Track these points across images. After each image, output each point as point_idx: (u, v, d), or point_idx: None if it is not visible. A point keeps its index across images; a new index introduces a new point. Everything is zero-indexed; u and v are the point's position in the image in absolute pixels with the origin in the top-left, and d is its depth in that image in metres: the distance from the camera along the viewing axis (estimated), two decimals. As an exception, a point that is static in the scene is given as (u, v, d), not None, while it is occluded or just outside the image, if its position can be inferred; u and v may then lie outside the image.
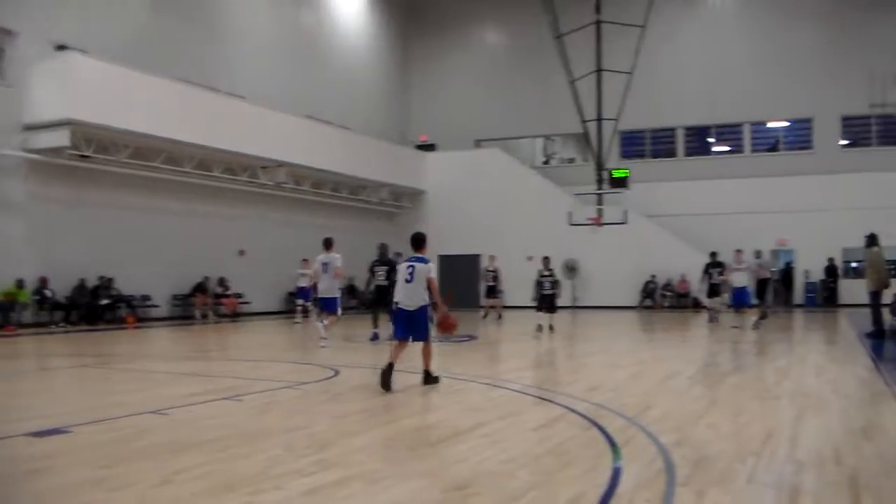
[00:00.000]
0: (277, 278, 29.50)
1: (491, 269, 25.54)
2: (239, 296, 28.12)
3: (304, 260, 24.83)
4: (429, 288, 9.88)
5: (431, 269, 9.95)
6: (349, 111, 35.42)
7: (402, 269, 10.03)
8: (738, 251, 21.58)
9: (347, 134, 32.75)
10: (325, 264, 16.18)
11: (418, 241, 10.17)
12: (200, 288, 26.39)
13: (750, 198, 34.07)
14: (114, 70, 22.27)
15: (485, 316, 26.19)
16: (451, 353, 15.31)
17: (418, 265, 9.88)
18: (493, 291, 25.68)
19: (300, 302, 26.00)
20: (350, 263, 29.87)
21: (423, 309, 9.86)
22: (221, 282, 27.31)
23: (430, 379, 10.15)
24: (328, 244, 16.53)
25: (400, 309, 9.92)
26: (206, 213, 27.29)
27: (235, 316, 27.31)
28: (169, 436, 7.08)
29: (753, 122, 35.81)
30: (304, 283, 25.40)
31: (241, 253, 28.53)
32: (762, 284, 27.56)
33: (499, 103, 39.11)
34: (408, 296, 9.85)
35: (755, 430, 7.10)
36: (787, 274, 34.29)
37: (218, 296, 27.17)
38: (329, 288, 16.27)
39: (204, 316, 26.07)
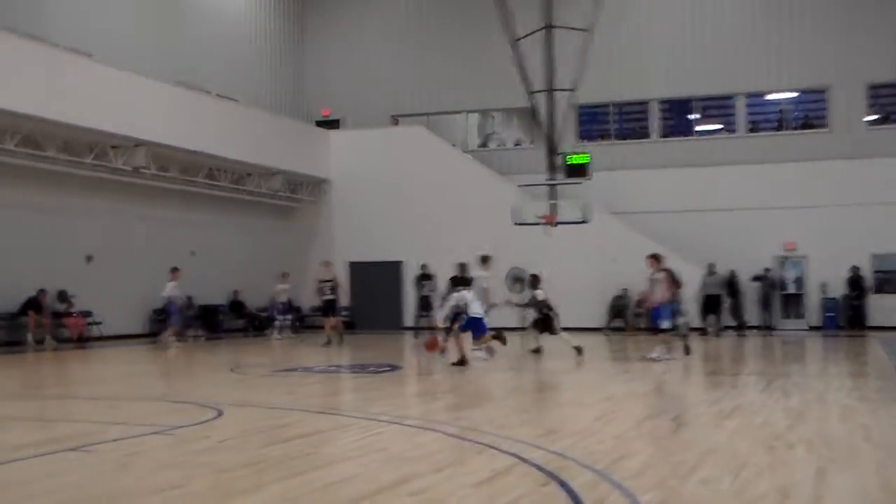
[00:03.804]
0: (138, 291, 28.88)
1: (327, 279, 25.27)
2: (87, 314, 27.58)
3: (285, 273, 30.43)
4: None
5: None
6: (231, 77, 35.26)
7: None
8: (653, 257, 20.65)
9: (229, 106, 32.58)
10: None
11: None
12: (33, 304, 25.78)
13: (746, 190, 34.22)
14: None
15: (327, 343, 25.74)
16: (369, 388, 15.24)
17: None
18: (331, 308, 25.75)
19: (281, 319, 30.30)
20: (237, 273, 30.02)
21: None
22: (62, 296, 26.78)
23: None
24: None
25: None
26: (40, 206, 26.44)
27: (82, 341, 26.84)
28: (-10, 502, 6.91)
29: (750, 93, 36.22)
30: (284, 298, 29.69)
31: (89, 259, 27.94)
32: (712, 301, 28.26)
33: (422, 69, 39.17)
34: None
35: (763, 488, 7.13)
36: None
37: (58, 314, 26.67)
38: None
39: (39, 341, 25.58)
